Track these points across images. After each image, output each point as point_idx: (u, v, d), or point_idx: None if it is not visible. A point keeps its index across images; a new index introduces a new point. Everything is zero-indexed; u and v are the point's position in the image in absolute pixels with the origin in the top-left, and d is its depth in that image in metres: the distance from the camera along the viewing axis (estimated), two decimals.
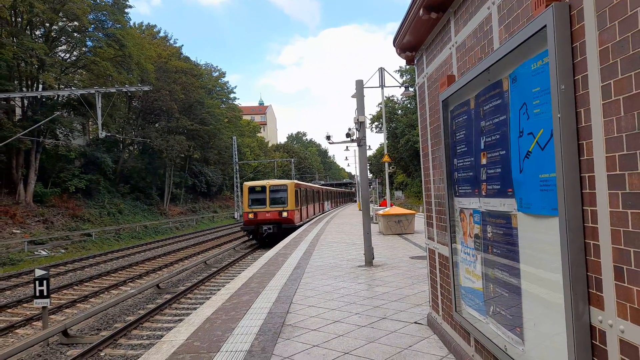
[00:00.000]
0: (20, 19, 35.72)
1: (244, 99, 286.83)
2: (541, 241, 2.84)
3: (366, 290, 8.44)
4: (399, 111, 66.51)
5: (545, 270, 2.81)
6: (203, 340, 5.91)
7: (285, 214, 27.71)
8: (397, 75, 55.37)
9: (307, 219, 35.08)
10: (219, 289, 12.48)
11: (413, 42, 5.88)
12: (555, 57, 2.48)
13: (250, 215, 27.62)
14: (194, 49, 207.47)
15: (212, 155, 60.66)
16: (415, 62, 6.32)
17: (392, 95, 67.53)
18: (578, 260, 2.44)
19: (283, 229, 26.85)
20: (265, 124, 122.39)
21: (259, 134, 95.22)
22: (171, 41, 60.37)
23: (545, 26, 2.57)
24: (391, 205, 25.39)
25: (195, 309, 10.46)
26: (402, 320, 6.39)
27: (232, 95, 74.74)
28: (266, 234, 27.16)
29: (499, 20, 3.48)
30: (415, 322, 6.23)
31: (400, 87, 25.28)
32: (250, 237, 29.92)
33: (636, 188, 2.03)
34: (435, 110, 5.22)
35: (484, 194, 3.78)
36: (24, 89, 35.08)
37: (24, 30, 35.58)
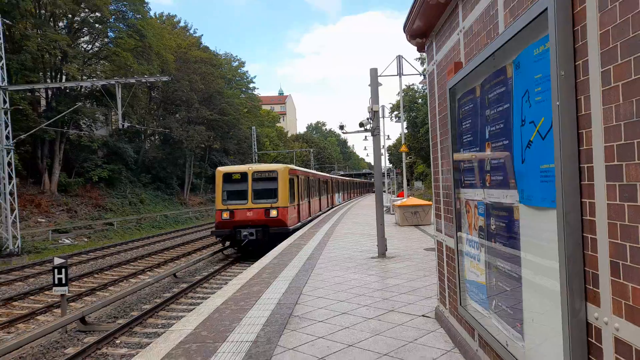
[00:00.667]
0: (44, 11, 36.39)
1: (264, 88, 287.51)
2: (542, 235, 2.73)
3: (376, 282, 8.38)
4: (419, 100, 65.57)
5: (545, 266, 2.70)
6: (210, 330, 5.96)
7: (274, 213, 19.16)
8: (418, 63, 54.60)
9: (309, 218, 25.27)
10: (232, 279, 12.60)
11: (423, 28, 5.73)
12: (556, 41, 2.35)
13: (225, 215, 19.17)
14: (213, 38, 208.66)
15: (231, 145, 61.06)
16: (426, 48, 6.17)
17: (412, 84, 66.39)
18: (575, 255, 2.33)
19: (271, 234, 18.74)
20: (285, 114, 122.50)
21: (278, 124, 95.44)
22: (191, 31, 60.74)
23: (546, 9, 2.44)
24: (408, 196, 25.16)
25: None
26: (410, 313, 6.31)
27: (251, 85, 74.95)
28: (246, 241, 18.98)
29: (504, 4, 3.34)
30: (423, 315, 6.15)
31: (420, 75, 24.89)
32: (227, 244, 21.13)
33: (633, 179, 1.91)
34: (444, 98, 5.08)
35: (488, 185, 3.66)
36: (48, 80, 35.85)
37: (48, 22, 36.26)
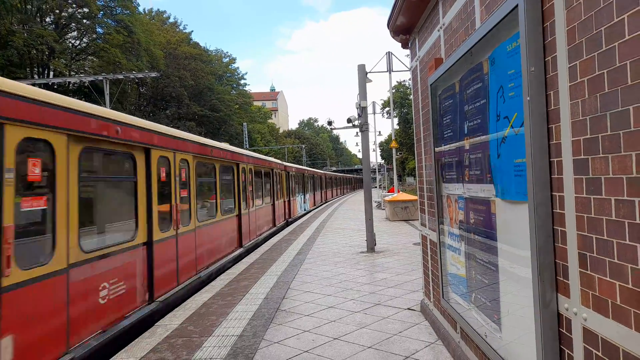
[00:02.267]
0: (30, 6, 35.94)
1: (255, 85, 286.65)
2: (517, 228, 2.78)
3: (364, 277, 8.44)
4: (411, 96, 65.71)
5: (520, 258, 2.75)
6: (197, 324, 5.97)
7: None
8: (408, 60, 54.60)
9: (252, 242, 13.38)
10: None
11: (406, 25, 5.76)
12: (526, 37, 2.39)
13: None
14: (203, 35, 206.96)
15: (222, 141, 60.79)
16: (409, 45, 6.21)
17: (404, 80, 66.59)
18: (546, 247, 2.38)
19: None
20: (277, 110, 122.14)
21: (270, 120, 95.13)
22: (181, 27, 60.30)
23: (517, 5, 2.48)
24: (398, 192, 25.28)
25: None
26: (396, 306, 6.38)
27: (242, 82, 74.57)
28: None
29: (481, 0, 3.37)
30: (409, 309, 6.22)
31: (409, 71, 24.69)
32: None
33: (598, 173, 1.96)
34: (426, 94, 5.12)
35: (466, 179, 3.71)
36: (35, 76, 35.44)
37: (34, 17, 35.82)
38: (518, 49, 2.57)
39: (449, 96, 4.14)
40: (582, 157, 2.06)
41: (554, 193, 2.35)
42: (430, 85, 4.56)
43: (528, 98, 2.38)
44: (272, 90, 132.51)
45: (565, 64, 2.16)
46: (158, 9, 60.04)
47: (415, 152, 6.07)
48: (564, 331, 2.33)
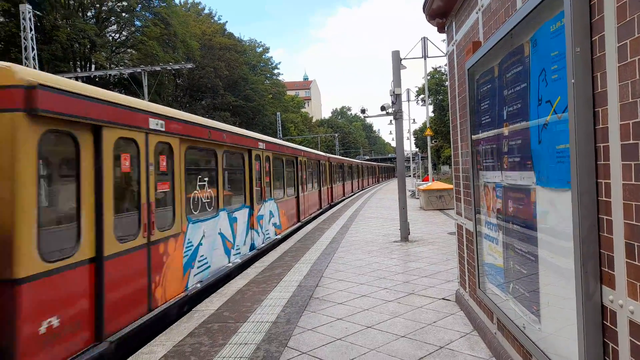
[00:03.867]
0: (72, 1, 37.16)
1: (288, 74, 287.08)
2: (558, 217, 2.67)
3: (398, 266, 8.38)
4: (447, 82, 64.20)
5: (562, 248, 2.65)
6: (232, 310, 6.10)
7: None
8: (444, 45, 53.28)
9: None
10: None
11: (443, 7, 5.61)
12: (571, 16, 2.27)
13: None
14: (237, 24, 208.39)
15: (256, 131, 61.38)
16: (446, 29, 6.04)
17: (439, 66, 65.05)
18: (590, 237, 2.28)
19: None
20: (310, 99, 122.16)
21: (303, 110, 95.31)
22: (215, 18, 60.96)
23: None
24: (433, 181, 24.89)
25: None
26: (430, 296, 6.30)
27: (275, 71, 74.92)
28: None
29: None
30: (443, 299, 6.13)
31: (445, 56, 24.17)
32: None
33: None
34: (463, 80, 4.98)
35: (505, 167, 3.60)
36: (78, 69, 36.73)
37: (76, 12, 37.03)
38: (562, 29, 2.44)
39: (487, 81, 4.00)
40: (631, 141, 1.95)
41: (599, 180, 2.24)
42: (468, 69, 4.43)
43: (573, 81, 2.26)
44: (305, 79, 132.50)
45: (614, 43, 2.04)
46: (193, 0, 60.77)
47: (451, 139, 5.93)
48: (608, 324, 2.23)
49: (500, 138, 3.68)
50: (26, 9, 25.83)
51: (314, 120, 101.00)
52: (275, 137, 63.70)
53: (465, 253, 5.42)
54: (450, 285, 6.75)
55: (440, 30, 6.28)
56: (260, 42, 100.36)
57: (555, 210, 2.73)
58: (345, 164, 32.49)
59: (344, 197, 30.21)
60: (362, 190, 43.08)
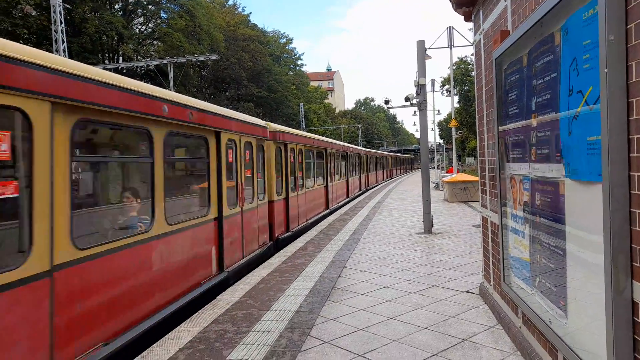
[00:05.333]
0: None
1: (311, 65, 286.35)
2: (588, 210, 2.61)
3: (420, 258, 8.33)
4: (472, 72, 62.91)
5: (591, 242, 2.59)
6: (256, 299, 6.19)
7: None
8: (470, 34, 52.12)
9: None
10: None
11: None
12: (605, 2, 2.20)
13: None
14: (260, 15, 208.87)
15: (280, 122, 61.72)
16: (473, 18, 5.92)
17: (465, 56, 63.74)
18: (622, 231, 2.22)
19: None
20: (333, 90, 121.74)
21: (326, 100, 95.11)
22: (239, 9, 61.15)
23: None
24: (458, 172, 24.55)
25: None
26: (453, 288, 6.26)
27: (299, 62, 74.91)
28: None
29: None
30: (467, 291, 6.08)
31: (472, 45, 23.64)
32: None
33: None
34: (490, 69, 4.88)
35: (533, 159, 3.53)
36: (106, 61, 37.46)
37: (104, 4, 37.69)
38: (595, 16, 2.36)
39: (515, 71, 3.92)
40: None
41: (632, 173, 2.17)
42: (495, 59, 4.34)
43: (606, 70, 2.19)
44: (329, 70, 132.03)
45: None
46: None
47: (477, 130, 5.84)
48: (638, 320, 2.18)
49: (528, 129, 3.60)
50: (57, 2, 26.42)
51: (337, 111, 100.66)
52: (298, 128, 63.82)
53: (490, 246, 5.35)
54: (474, 278, 6.69)
55: (467, 19, 6.16)
56: (284, 32, 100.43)
57: (585, 203, 2.67)
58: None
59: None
60: (391, 178, 47.54)
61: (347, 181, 22.81)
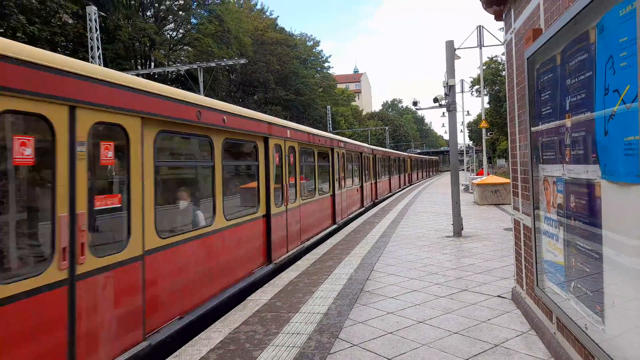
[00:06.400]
0: (133, 2, 38.93)
1: (338, 66, 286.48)
2: (626, 213, 2.53)
3: (450, 261, 8.21)
4: (503, 72, 61.62)
5: (629, 247, 2.51)
6: (284, 301, 6.23)
7: None
8: (501, 34, 51.01)
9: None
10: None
11: None
12: None
13: None
14: (286, 18, 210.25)
15: (307, 125, 61.96)
16: (504, 16, 5.81)
17: (496, 56, 62.49)
18: None
19: None
20: (360, 92, 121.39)
21: (353, 103, 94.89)
22: (267, 13, 61.79)
23: None
24: (488, 174, 24.07)
25: None
26: (485, 293, 6.14)
27: (326, 65, 75.01)
28: None
29: None
30: (499, 296, 5.96)
31: (502, 45, 23.15)
32: None
33: None
34: (522, 69, 4.79)
35: (567, 160, 3.44)
36: (139, 67, 38.49)
37: (137, 12, 38.76)
38: (633, 13, 2.29)
39: (548, 70, 3.83)
40: None
41: None
42: (527, 58, 4.25)
43: None
44: (356, 72, 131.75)
45: None
46: None
47: (509, 131, 5.73)
48: None
49: (562, 130, 3.51)
50: (92, 10, 27.37)
51: (364, 113, 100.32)
52: (325, 130, 63.87)
53: (523, 250, 5.23)
54: (505, 282, 6.55)
55: (498, 18, 6.06)
56: (311, 35, 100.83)
57: (623, 205, 2.58)
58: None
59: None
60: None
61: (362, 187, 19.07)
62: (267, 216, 7.96)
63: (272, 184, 8.10)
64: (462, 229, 10.96)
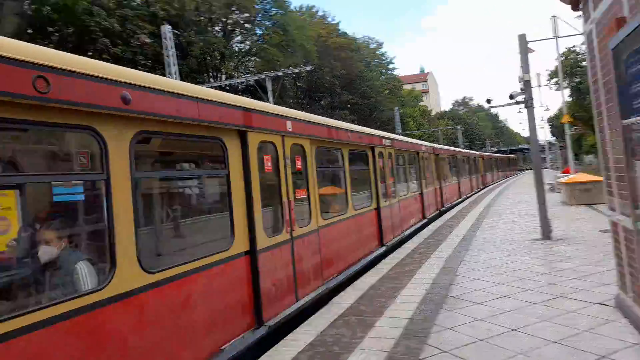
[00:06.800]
0: (202, 18, 40.96)
1: (403, 67, 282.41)
2: None
3: (540, 266, 7.75)
4: (583, 63, 57.43)
5: None
6: (367, 305, 6.23)
7: None
8: (579, 22, 47.60)
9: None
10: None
11: None
12: None
13: None
14: (348, 22, 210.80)
15: (375, 128, 61.49)
16: (581, 6, 5.43)
17: (574, 46, 58.42)
18: None
19: None
20: (427, 92, 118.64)
21: (421, 103, 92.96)
22: (329, 19, 62.32)
23: None
24: (575, 172, 22.50)
25: None
26: (583, 300, 5.73)
27: (390, 66, 74.19)
28: None
29: None
30: (600, 303, 5.53)
31: (582, 35, 21.58)
32: None
33: None
34: (607, 61, 4.44)
35: None
36: (211, 80, 40.37)
37: (206, 27, 40.71)
38: None
39: (637, 60, 3.52)
40: None
41: None
42: (612, 49, 3.94)
43: None
44: (422, 71, 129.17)
45: None
46: (307, 5, 62.95)
47: (596, 126, 5.34)
48: None
49: None
50: (167, 29, 29.11)
51: (433, 113, 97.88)
52: (394, 132, 63.06)
53: (624, 253, 4.83)
54: (606, 288, 6.06)
55: (574, 7, 5.67)
56: (374, 38, 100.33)
57: None
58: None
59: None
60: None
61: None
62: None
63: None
64: (551, 232, 10.31)
